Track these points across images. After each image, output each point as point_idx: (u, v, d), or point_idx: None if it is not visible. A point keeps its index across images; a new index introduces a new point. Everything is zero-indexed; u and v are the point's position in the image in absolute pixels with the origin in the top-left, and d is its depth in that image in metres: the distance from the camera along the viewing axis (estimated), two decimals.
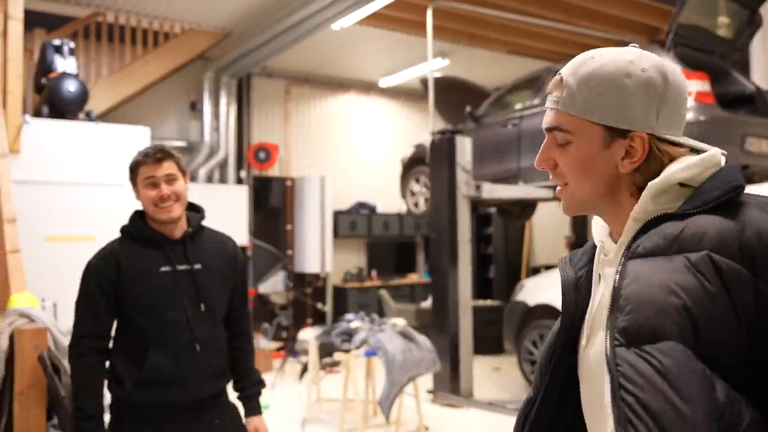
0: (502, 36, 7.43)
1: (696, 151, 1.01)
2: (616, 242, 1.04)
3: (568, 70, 1.02)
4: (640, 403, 0.85)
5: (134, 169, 2.20)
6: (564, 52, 7.86)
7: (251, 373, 2.40)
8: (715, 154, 0.98)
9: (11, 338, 2.42)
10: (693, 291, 0.87)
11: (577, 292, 1.09)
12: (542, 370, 1.14)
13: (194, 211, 2.32)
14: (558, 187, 1.08)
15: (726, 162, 1.00)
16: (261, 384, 2.43)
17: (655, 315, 0.88)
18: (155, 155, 2.17)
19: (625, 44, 1.01)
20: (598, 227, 1.11)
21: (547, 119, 1.04)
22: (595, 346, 1.02)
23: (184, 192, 2.20)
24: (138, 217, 2.27)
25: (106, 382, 2.18)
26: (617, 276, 0.96)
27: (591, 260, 1.11)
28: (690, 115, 4.43)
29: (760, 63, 6.05)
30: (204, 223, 2.32)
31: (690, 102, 4.48)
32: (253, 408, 2.39)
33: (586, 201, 1.04)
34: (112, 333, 2.19)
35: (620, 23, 7.07)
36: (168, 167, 2.17)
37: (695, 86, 4.52)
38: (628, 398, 0.86)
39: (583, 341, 1.06)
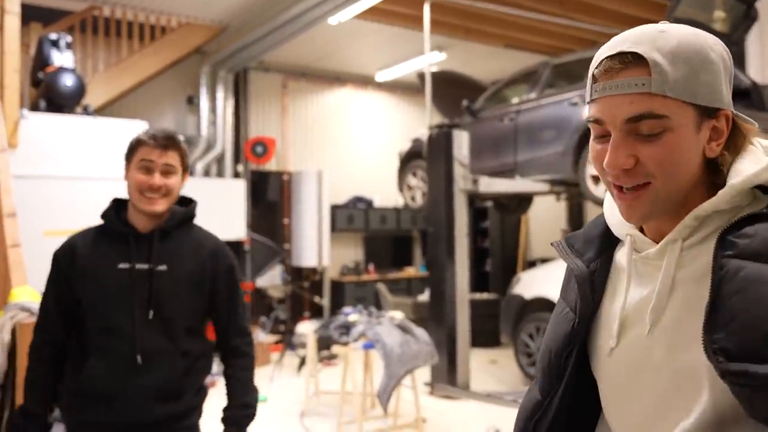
0: (498, 30, 7.44)
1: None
2: (652, 238, 0.96)
3: (644, 47, 0.87)
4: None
5: (134, 148, 1.96)
6: (560, 46, 7.87)
7: (238, 395, 2.05)
8: None
9: (13, 332, 2.44)
10: None
11: (592, 287, 1.02)
12: (553, 371, 1.06)
13: (184, 205, 2.07)
14: (626, 189, 0.91)
15: None
16: (247, 408, 2.04)
17: (765, 340, 0.79)
18: (162, 140, 1.93)
19: None
20: (617, 217, 1.00)
21: (628, 107, 0.87)
22: (624, 349, 0.97)
23: (177, 189, 1.97)
24: (115, 205, 2.02)
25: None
26: (713, 277, 0.85)
27: (602, 252, 1.04)
28: None
29: (756, 57, 6.07)
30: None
31: None
32: None
33: (672, 197, 0.90)
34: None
35: (616, 17, 7.08)
36: (171, 157, 1.94)
37: None
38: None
39: (609, 342, 0.98)
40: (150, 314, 1.89)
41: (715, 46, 0.89)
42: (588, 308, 1.02)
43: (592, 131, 0.94)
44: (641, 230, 0.98)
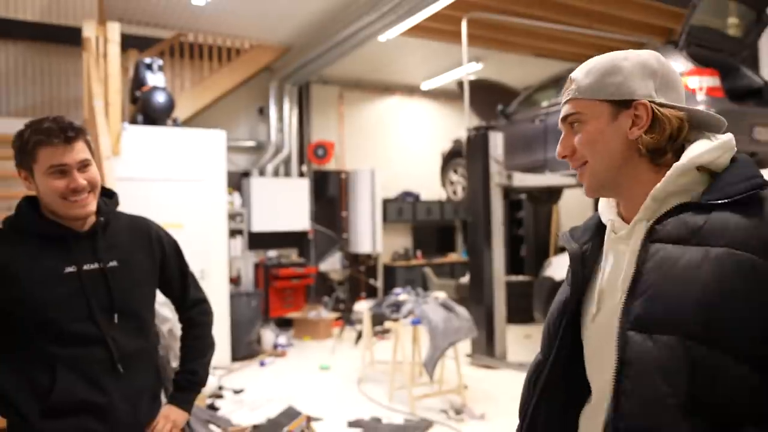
0: (529, 41, 7.31)
1: (695, 119, 0.98)
2: (626, 221, 1.00)
3: (575, 71, 1.04)
4: (635, 384, 0.88)
5: (31, 151, 1.45)
6: (586, 53, 7.62)
7: (187, 361, 1.77)
8: (731, 139, 0.95)
9: None
10: (711, 285, 0.83)
11: (583, 264, 1.06)
12: (551, 335, 1.10)
13: (106, 196, 1.64)
14: (579, 171, 1.03)
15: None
16: (193, 374, 1.75)
17: (671, 309, 0.85)
18: (65, 133, 1.44)
19: (643, 45, 1.01)
20: (605, 206, 1.07)
21: (562, 112, 1.04)
22: (603, 315, 0.99)
23: (99, 179, 1.54)
24: (27, 205, 1.54)
25: None
26: (638, 257, 0.91)
27: (594, 235, 1.08)
28: (701, 108, 4.30)
29: None
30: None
31: (702, 96, 4.35)
32: (175, 398, 1.73)
33: (606, 176, 0.99)
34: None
35: (638, 26, 6.86)
36: (81, 150, 1.48)
37: (706, 82, 4.37)
38: (625, 382, 0.89)
39: (592, 309, 1.02)
40: (115, 318, 1.53)
41: (635, 57, 0.99)
42: (578, 281, 1.05)
43: None
44: (622, 218, 1.03)
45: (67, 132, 1.44)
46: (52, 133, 1.43)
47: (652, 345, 0.86)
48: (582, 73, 1.01)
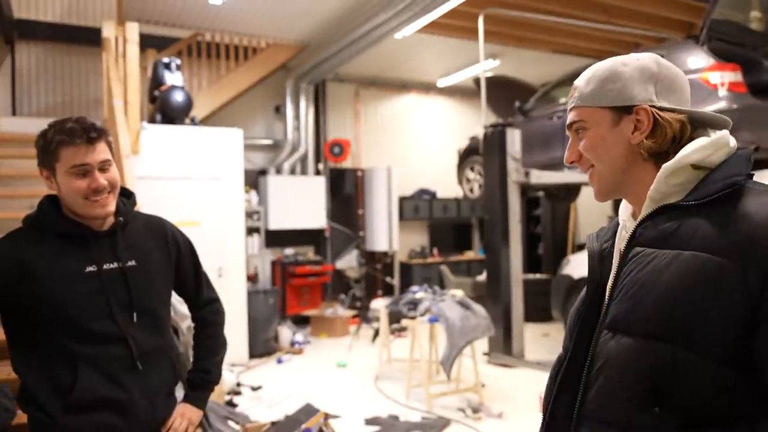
0: (547, 37, 7.25)
1: (698, 120, 0.99)
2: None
3: (577, 79, 1.06)
4: (597, 376, 0.96)
5: (54, 151, 1.47)
6: (605, 49, 7.59)
7: (200, 360, 1.79)
8: (724, 135, 0.96)
9: None
10: (674, 282, 0.86)
11: (602, 262, 1.07)
12: (570, 330, 1.11)
13: (123, 196, 1.65)
14: (589, 174, 1.06)
15: (734, 142, 0.97)
16: (205, 373, 1.77)
17: (638, 311, 0.90)
18: (88, 134, 1.47)
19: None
20: (623, 207, 1.09)
21: (568, 119, 1.07)
22: None
23: (118, 179, 1.56)
24: (49, 204, 1.56)
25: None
26: (619, 260, 0.96)
27: (615, 235, 1.09)
28: (723, 104, 4.22)
29: None
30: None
31: (724, 92, 4.27)
32: (189, 396, 1.74)
33: (612, 179, 1.02)
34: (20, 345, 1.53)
35: (657, 21, 6.76)
36: (102, 150, 1.50)
37: (728, 77, 4.29)
38: (591, 374, 0.97)
39: (604, 307, 1.03)
40: (134, 317, 1.56)
41: (634, 62, 1.00)
42: (595, 279, 1.07)
43: None
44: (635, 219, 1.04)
45: (89, 133, 1.47)
46: (75, 134, 1.46)
47: (614, 344, 0.93)
48: (583, 81, 1.04)
